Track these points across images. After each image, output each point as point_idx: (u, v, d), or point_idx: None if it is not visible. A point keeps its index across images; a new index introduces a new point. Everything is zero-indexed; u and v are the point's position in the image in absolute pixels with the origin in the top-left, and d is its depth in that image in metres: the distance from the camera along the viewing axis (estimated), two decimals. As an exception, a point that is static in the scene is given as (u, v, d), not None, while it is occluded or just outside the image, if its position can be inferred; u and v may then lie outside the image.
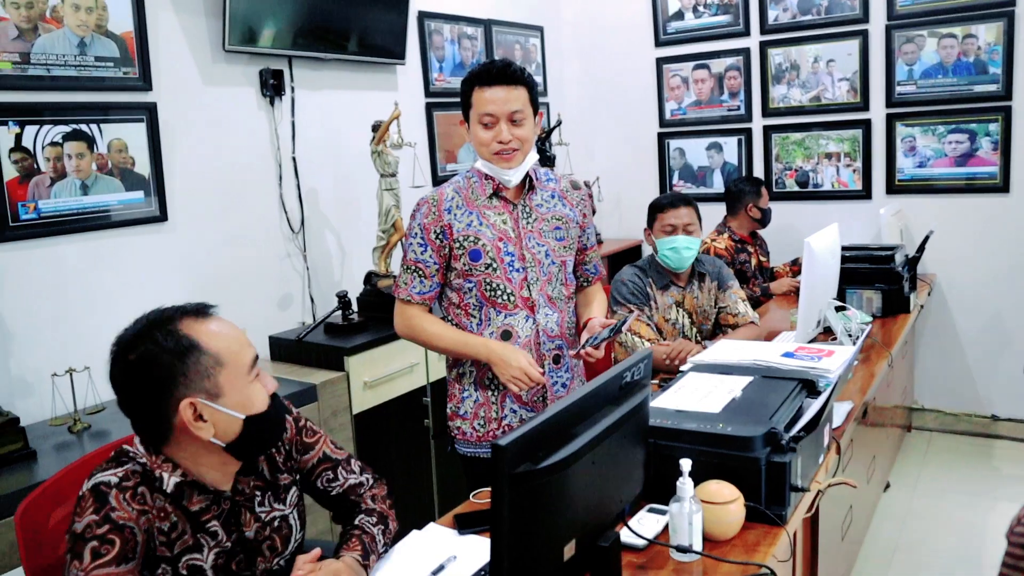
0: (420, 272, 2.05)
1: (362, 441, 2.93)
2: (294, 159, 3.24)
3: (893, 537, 3.26)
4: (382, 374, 3.01)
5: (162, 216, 2.76)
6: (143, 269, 2.72)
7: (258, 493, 1.46)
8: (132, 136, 2.65)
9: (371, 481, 1.63)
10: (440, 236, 2.02)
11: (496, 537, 1.03)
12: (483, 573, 1.42)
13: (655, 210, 2.87)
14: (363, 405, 2.94)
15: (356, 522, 1.52)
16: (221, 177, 2.97)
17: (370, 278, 3.29)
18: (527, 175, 2.08)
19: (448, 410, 2.18)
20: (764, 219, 3.99)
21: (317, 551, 1.37)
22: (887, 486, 3.65)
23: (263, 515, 1.46)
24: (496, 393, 2.09)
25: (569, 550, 1.15)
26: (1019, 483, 3.68)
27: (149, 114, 2.69)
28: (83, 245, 2.56)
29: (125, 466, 1.31)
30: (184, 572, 1.32)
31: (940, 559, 3.07)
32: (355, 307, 3.22)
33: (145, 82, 2.68)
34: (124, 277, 2.67)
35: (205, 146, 2.91)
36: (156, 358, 1.30)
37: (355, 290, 3.29)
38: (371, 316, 3.20)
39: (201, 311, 1.36)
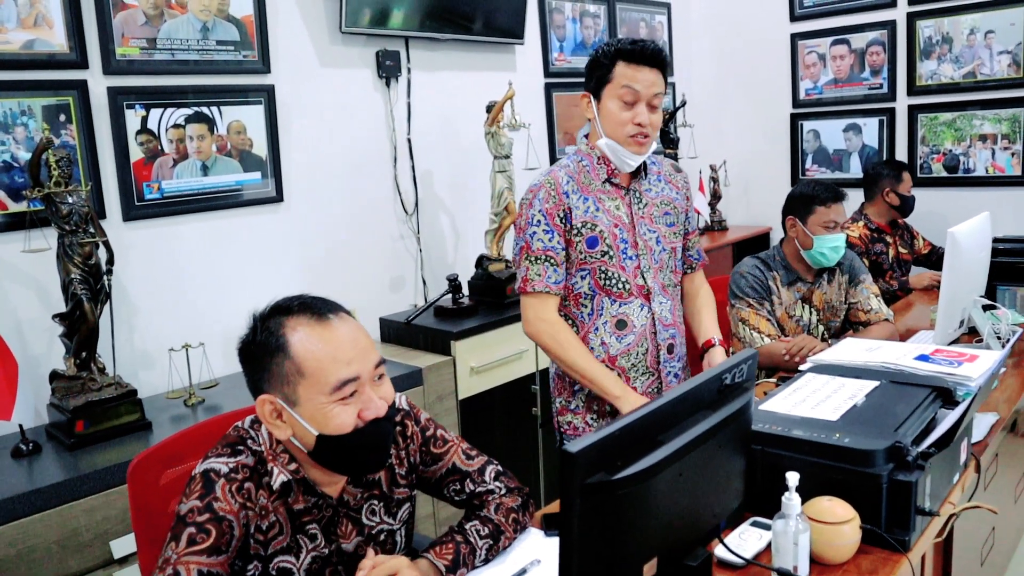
0: (551, 260, 1.94)
1: (467, 427, 2.90)
2: (409, 140, 3.23)
3: (1044, 562, 2.94)
4: (490, 360, 2.97)
5: (278, 197, 2.81)
6: (259, 249, 2.78)
7: (373, 502, 1.41)
8: (251, 118, 2.70)
9: (503, 490, 1.51)
10: (564, 220, 1.94)
11: (565, 551, 0.94)
12: (565, 580, 1.34)
13: (814, 202, 2.63)
14: (469, 391, 2.91)
15: (465, 526, 1.43)
16: (336, 158, 3.00)
17: (482, 261, 3.25)
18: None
19: (557, 404, 2.11)
20: (904, 207, 3.67)
21: (371, 551, 1.31)
22: (1039, 504, 3.30)
23: (371, 527, 1.41)
24: None
25: (649, 569, 1.05)
26: None
27: (267, 96, 2.74)
28: (202, 225, 2.64)
29: (238, 457, 1.29)
30: (273, 574, 1.29)
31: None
32: (465, 291, 3.19)
33: (264, 65, 2.72)
34: (241, 257, 2.74)
35: (321, 128, 2.94)
36: (250, 348, 1.29)
37: (467, 273, 3.26)
38: (481, 300, 3.16)
39: (320, 311, 1.29)
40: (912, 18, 4.08)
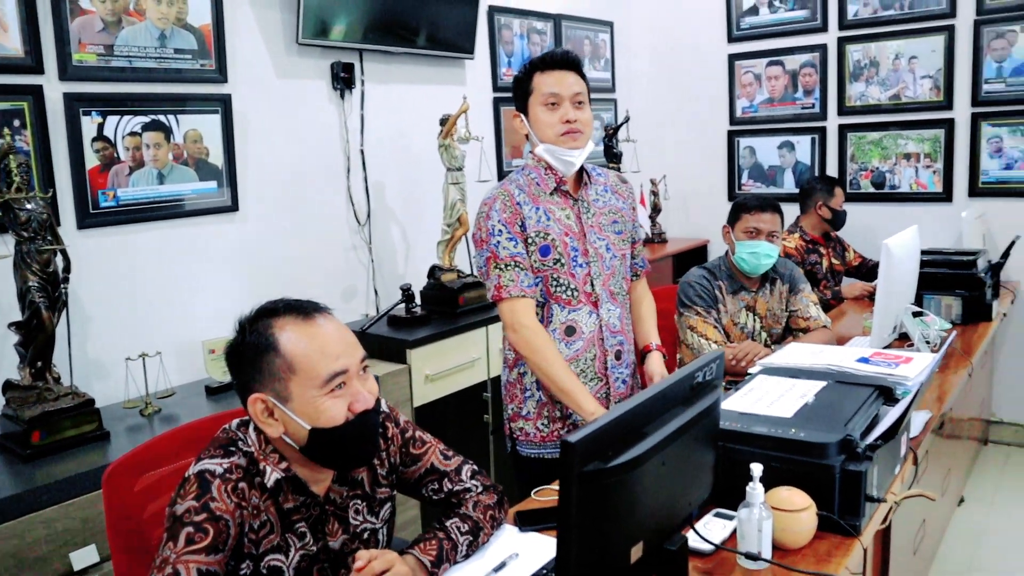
0: (520, 266, 2.00)
1: (423, 434, 2.94)
2: (362, 152, 3.26)
3: (967, 554, 3.13)
4: (444, 368, 3.01)
5: (234, 206, 2.81)
6: (214, 258, 2.78)
7: (356, 501, 1.45)
8: (207, 127, 2.70)
9: (479, 488, 1.57)
10: (522, 228, 2.01)
11: (563, 535, 1.00)
12: (544, 571, 1.40)
13: (740, 209, 2.78)
14: (424, 398, 2.95)
15: (446, 523, 1.48)
16: (291, 169, 3.02)
17: (434, 272, 3.30)
18: (582, 169, 2.09)
19: (509, 411, 2.16)
20: (835, 220, 3.87)
21: (362, 549, 1.35)
22: (961, 501, 3.50)
23: (355, 525, 1.45)
24: None
25: (636, 552, 1.12)
26: (1106, 503, 3.49)
27: (224, 106, 2.74)
28: (158, 233, 2.62)
29: (231, 458, 1.31)
30: (264, 572, 1.32)
31: (1018, 579, 2.94)
32: (418, 300, 3.23)
33: (221, 74, 2.73)
34: (196, 265, 2.73)
35: (276, 138, 2.95)
36: (240, 350, 1.33)
37: (418, 284, 3.30)
38: (434, 310, 3.21)
39: (306, 311, 1.34)
40: (842, 42, 4.31)
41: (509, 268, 2.00)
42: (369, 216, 3.32)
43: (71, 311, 2.32)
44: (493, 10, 3.88)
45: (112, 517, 1.56)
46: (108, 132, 2.46)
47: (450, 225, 3.27)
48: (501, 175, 3.91)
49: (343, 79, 3.13)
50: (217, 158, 2.75)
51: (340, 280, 3.24)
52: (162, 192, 2.61)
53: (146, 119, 2.55)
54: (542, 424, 2.09)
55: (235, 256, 2.84)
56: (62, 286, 2.18)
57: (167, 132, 2.60)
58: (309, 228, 3.09)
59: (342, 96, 3.18)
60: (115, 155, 2.49)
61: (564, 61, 2.02)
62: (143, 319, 2.58)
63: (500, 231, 2.01)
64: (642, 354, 2.23)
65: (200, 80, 2.68)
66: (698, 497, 1.33)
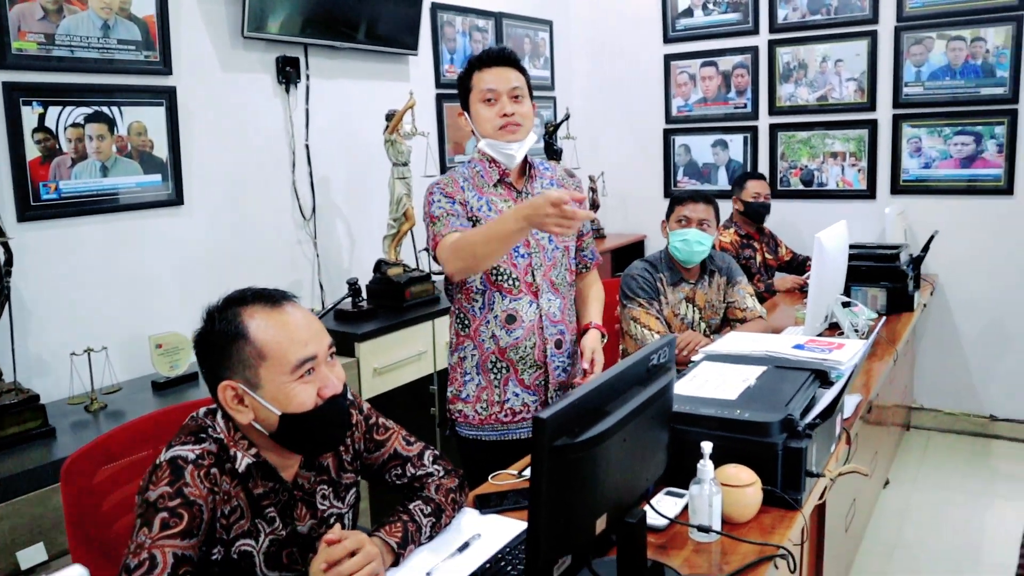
0: (452, 215, 2.03)
1: (372, 427, 2.96)
2: (307, 146, 3.26)
3: (893, 533, 3.30)
4: (391, 361, 3.04)
5: (178, 200, 2.79)
6: (159, 251, 2.75)
7: (323, 487, 1.48)
8: (151, 119, 2.67)
9: (441, 472, 1.61)
10: (463, 204, 2.06)
11: (534, 507, 1.06)
12: (507, 550, 1.45)
13: (673, 202, 2.91)
14: (373, 391, 2.97)
15: (409, 507, 1.52)
16: (236, 162, 3.00)
17: (380, 266, 3.31)
18: (526, 162, 2.15)
19: (449, 393, 2.21)
20: (749, 212, 4.01)
21: (337, 526, 1.38)
22: (886, 483, 3.69)
23: (322, 510, 1.47)
24: (498, 376, 2.12)
25: (601, 523, 1.18)
26: (1016, 482, 3.72)
27: (168, 98, 2.71)
28: (101, 226, 2.58)
29: (202, 444, 1.33)
30: (235, 556, 1.34)
31: (938, 556, 3.12)
32: (364, 294, 3.24)
33: (165, 66, 2.70)
34: (141, 259, 2.69)
35: (221, 131, 2.93)
36: (209, 338, 1.35)
37: (364, 278, 3.32)
38: (380, 303, 3.23)
39: (274, 299, 1.37)
40: (772, 45, 4.47)
41: (442, 219, 2.03)
42: (314, 210, 3.32)
43: (13, 305, 2.28)
44: (436, 7, 3.91)
45: (71, 510, 1.55)
46: (50, 123, 2.42)
47: (396, 220, 3.29)
48: (444, 170, 3.94)
49: (288, 73, 3.13)
50: (162, 151, 2.71)
51: (285, 274, 3.23)
52: (106, 185, 2.57)
53: (89, 110, 2.51)
54: (480, 408, 2.14)
55: (180, 250, 2.81)
56: (4, 279, 2.14)
57: (111, 124, 2.56)
58: (254, 222, 3.08)
59: (287, 90, 3.17)
60: (57, 146, 2.44)
61: (501, 57, 2.09)
62: (87, 313, 2.54)
63: (440, 199, 2.06)
64: (583, 331, 2.25)
65: (144, 72, 2.65)
66: (654, 473, 1.40)
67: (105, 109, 2.55)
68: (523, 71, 2.12)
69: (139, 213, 2.68)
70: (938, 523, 3.37)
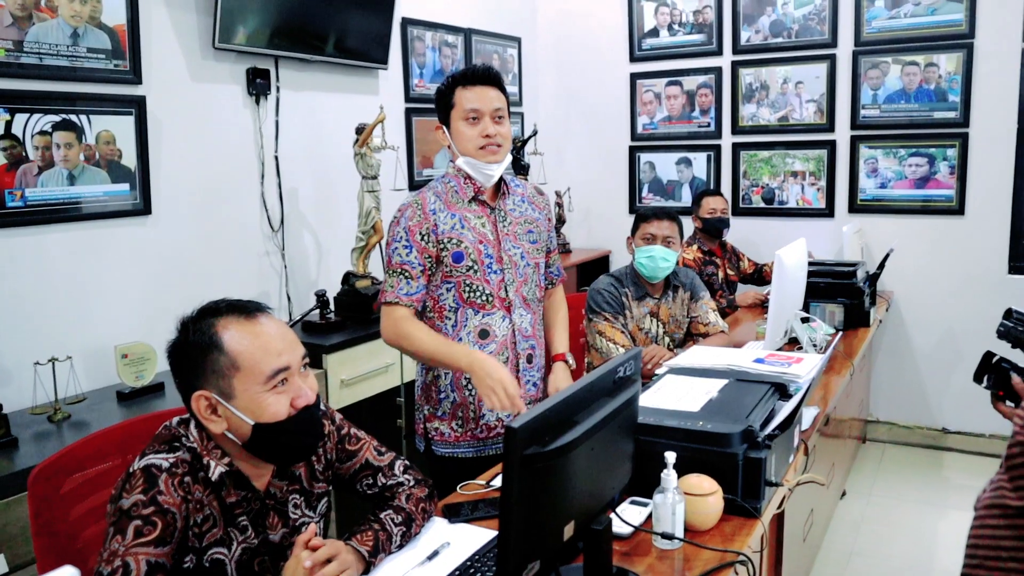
0: (406, 274, 2.07)
1: (338, 438, 2.97)
2: (276, 158, 3.27)
3: (849, 542, 3.38)
4: (359, 373, 3.05)
5: (146, 209, 2.78)
6: (126, 261, 2.73)
7: (294, 496, 1.50)
8: (120, 129, 2.67)
9: (412, 482, 1.64)
10: (426, 237, 2.08)
11: (505, 513, 1.09)
12: (476, 557, 1.48)
13: (639, 219, 2.97)
14: (340, 403, 2.98)
15: (380, 515, 1.53)
16: (205, 173, 3.00)
17: (348, 278, 3.33)
18: (501, 179, 2.18)
19: (424, 412, 2.22)
20: (707, 228, 4.10)
21: (312, 526, 1.40)
22: (843, 494, 3.78)
23: (294, 519, 1.49)
24: (473, 393, 2.14)
25: (569, 530, 1.22)
26: (968, 492, 3.83)
27: (138, 107, 2.71)
28: (68, 235, 2.56)
29: (176, 452, 1.34)
30: (207, 564, 1.35)
31: (893, 564, 3.20)
32: (332, 307, 3.26)
33: (135, 76, 2.70)
34: (107, 268, 2.68)
35: (190, 142, 2.93)
36: (183, 348, 1.37)
37: (331, 290, 3.33)
38: (348, 316, 3.24)
39: (248, 310, 1.39)
40: (735, 66, 4.58)
41: (395, 275, 2.08)
42: (283, 222, 3.32)
43: (-24, 314, 2.26)
44: (406, 22, 3.95)
45: (38, 519, 1.54)
46: (16, 130, 2.40)
47: (365, 232, 3.31)
48: (412, 184, 3.97)
49: (258, 85, 3.14)
50: (130, 160, 2.71)
51: (253, 286, 3.23)
52: (73, 193, 2.55)
53: (57, 118, 2.50)
54: (456, 425, 2.17)
55: (147, 260, 2.80)
56: (-31, 288, 2.12)
57: (79, 132, 2.55)
58: (222, 233, 3.08)
59: (257, 102, 3.18)
60: (23, 154, 2.43)
61: (486, 76, 2.12)
62: (52, 322, 2.52)
63: (401, 238, 2.09)
64: (552, 362, 2.34)
65: (113, 81, 2.64)
66: (620, 481, 1.44)
67: (73, 117, 2.54)
68: (505, 91, 2.15)
69: (106, 222, 2.67)
70: (893, 532, 3.46)
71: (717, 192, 4.26)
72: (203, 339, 1.34)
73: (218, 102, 3.04)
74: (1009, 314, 1.96)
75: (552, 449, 1.12)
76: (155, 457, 1.32)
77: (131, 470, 1.31)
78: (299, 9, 3.18)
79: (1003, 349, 1.95)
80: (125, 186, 2.71)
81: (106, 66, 2.62)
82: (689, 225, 4.21)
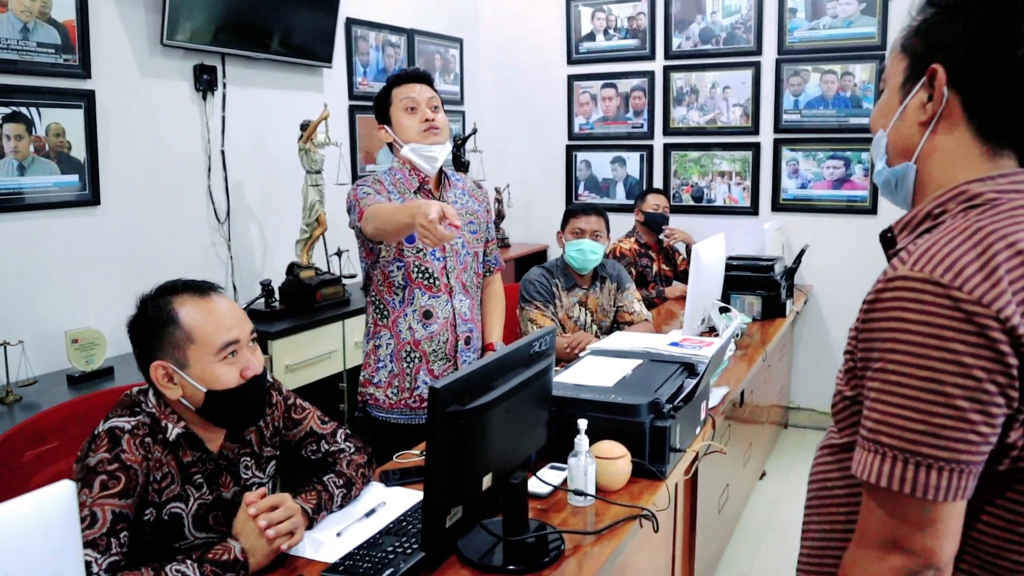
0: (380, 194, 2.21)
1: (283, 421, 3.10)
2: (223, 152, 3.38)
3: (767, 518, 3.63)
4: (303, 359, 3.18)
5: (95, 200, 2.87)
6: (75, 250, 2.82)
7: (245, 458, 1.65)
8: (70, 121, 2.75)
9: (352, 449, 1.80)
10: (388, 197, 2.24)
11: (430, 462, 1.26)
12: (409, 513, 1.64)
13: (568, 215, 3.17)
14: (285, 387, 3.10)
15: (323, 479, 1.69)
16: (153, 166, 3.09)
17: (293, 269, 3.45)
18: (442, 171, 2.34)
19: (362, 377, 2.39)
20: (649, 222, 4.32)
21: (263, 489, 1.55)
22: (763, 475, 4.03)
23: (245, 479, 1.64)
24: (411, 365, 2.32)
25: (487, 481, 1.39)
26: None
27: (87, 101, 2.80)
28: (18, 224, 2.65)
29: (137, 416, 1.49)
30: (166, 518, 1.50)
31: (804, 536, 3.44)
32: (277, 296, 3.38)
33: (84, 70, 2.78)
34: (57, 257, 2.76)
35: (139, 135, 3.03)
36: (142, 322, 1.52)
37: (277, 280, 3.44)
38: (293, 304, 3.36)
39: (203, 289, 1.55)
40: (667, 71, 4.82)
41: (367, 197, 2.18)
42: (229, 214, 3.43)
43: (-72, 299, 2.33)
44: (351, 21, 4.07)
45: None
46: (-33, 122, 2.48)
47: (309, 225, 3.44)
48: (355, 178, 4.10)
49: (205, 81, 3.24)
50: (79, 152, 2.80)
51: (199, 275, 3.18)
52: (23, 183, 2.64)
53: (7, 110, 2.58)
54: (391, 392, 2.34)
55: (96, 249, 2.89)
56: (-78, 273, 2.20)
57: (28, 124, 2.64)
58: (169, 224, 3.18)
59: (204, 97, 3.28)
60: (-26, 145, 2.51)
61: (417, 75, 2.33)
62: (4, 309, 2.60)
63: (367, 189, 2.23)
64: (485, 350, 2.51)
65: (63, 75, 2.73)
66: (535, 443, 1.61)
67: (23, 110, 2.62)
68: (435, 89, 2.35)
69: (56, 212, 2.75)
70: (806, 510, 3.70)
71: (661, 190, 4.50)
72: (161, 314, 1.49)
73: (166, 97, 3.13)
74: None
75: (470, 408, 1.29)
76: (118, 420, 1.46)
77: (96, 432, 1.44)
78: (245, 7, 3.29)
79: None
80: (74, 177, 2.79)
81: (56, 60, 2.70)
82: (622, 220, 4.45)
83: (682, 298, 4.14)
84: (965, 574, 0.97)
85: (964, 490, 0.90)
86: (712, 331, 3.13)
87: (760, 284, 3.68)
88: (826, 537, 1.10)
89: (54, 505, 0.83)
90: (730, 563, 3.23)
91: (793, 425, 4.79)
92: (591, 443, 1.75)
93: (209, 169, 3.34)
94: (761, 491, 3.88)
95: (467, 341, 2.38)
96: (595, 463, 1.72)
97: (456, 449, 1.29)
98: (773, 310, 3.68)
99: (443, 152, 2.31)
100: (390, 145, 2.36)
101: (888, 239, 1.06)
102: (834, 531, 1.08)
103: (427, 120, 2.27)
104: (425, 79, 2.34)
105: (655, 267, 4.34)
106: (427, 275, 2.28)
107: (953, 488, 0.89)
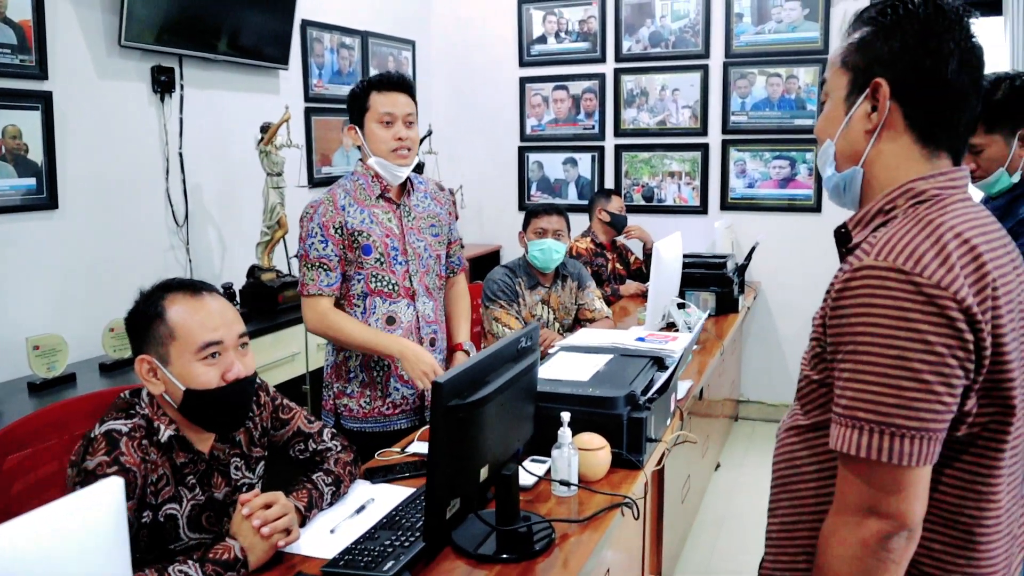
0: (324, 266, 2.25)
1: (248, 424, 3.08)
2: (181, 155, 3.34)
3: (723, 507, 3.74)
4: (266, 362, 3.17)
5: (52, 204, 2.82)
6: (33, 254, 2.77)
7: (235, 459, 1.66)
8: (27, 123, 2.70)
9: (339, 448, 1.82)
10: (339, 231, 2.25)
11: (433, 455, 1.30)
12: (400, 508, 1.67)
13: (530, 215, 3.23)
14: (249, 391, 3.09)
15: (312, 477, 1.71)
16: (111, 168, 3.05)
17: (254, 271, 3.43)
18: (407, 177, 2.37)
19: (334, 390, 2.39)
20: (613, 222, 4.41)
21: (256, 490, 1.57)
22: (718, 466, 4.15)
23: (236, 479, 1.65)
24: (381, 374, 2.34)
25: (484, 472, 1.43)
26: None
27: (44, 103, 2.75)
28: (-26, 228, 2.59)
29: (133, 419, 1.49)
30: (162, 519, 1.50)
31: (761, 527, 3.55)
32: (238, 299, 3.36)
33: (41, 71, 2.73)
34: (15, 261, 2.71)
35: (97, 137, 2.98)
36: (134, 316, 1.54)
37: (237, 283, 3.42)
38: (254, 307, 3.35)
39: (196, 288, 1.56)
40: (618, 73, 4.92)
41: (314, 268, 2.26)
42: (187, 217, 3.40)
43: None
44: (306, 24, 4.06)
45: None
46: (-79, 125, 2.42)
47: (270, 227, 3.43)
48: (312, 181, 4.09)
49: (163, 82, 3.21)
50: (36, 155, 2.74)
51: (157, 278, 3.23)
52: (-21, 187, 2.58)
53: (-38, 113, 2.52)
54: (364, 402, 2.35)
55: (55, 253, 2.84)
56: None
57: (-16, 127, 2.58)
58: (127, 227, 3.13)
59: (162, 99, 3.24)
60: (-71, 148, 2.45)
61: (400, 83, 2.31)
62: (-40, 315, 2.54)
63: (316, 233, 2.25)
64: (453, 351, 2.55)
65: (19, 76, 2.67)
66: (523, 436, 1.67)
67: (-21, 112, 2.56)
68: (415, 99, 2.35)
69: (12, 216, 2.70)
70: (762, 500, 3.76)
71: (617, 192, 4.60)
72: (151, 309, 1.50)
73: (124, 99, 3.09)
74: None
75: (470, 402, 1.34)
76: (114, 423, 1.46)
77: (92, 435, 1.44)
78: (202, 9, 3.27)
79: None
80: (31, 180, 2.74)
81: (11, 61, 2.65)
82: (576, 220, 4.52)
83: (636, 296, 4.26)
84: (931, 532, 1.06)
85: (932, 455, 1.00)
86: (671, 327, 3.22)
87: (714, 281, 3.80)
88: (796, 512, 1.18)
89: (103, 503, 0.85)
90: (692, 551, 3.33)
91: (743, 417, 4.94)
92: (572, 435, 1.81)
93: (167, 172, 3.30)
94: (717, 482, 4.00)
95: (432, 343, 2.41)
96: (578, 454, 1.78)
97: (457, 442, 1.33)
98: (727, 306, 3.80)
99: (408, 171, 2.33)
100: (358, 146, 2.37)
101: (842, 234, 1.15)
102: (803, 506, 1.17)
103: (400, 140, 2.27)
104: (407, 88, 2.32)
105: (610, 266, 4.43)
106: (386, 283, 2.31)
107: (923, 454, 0.99)
